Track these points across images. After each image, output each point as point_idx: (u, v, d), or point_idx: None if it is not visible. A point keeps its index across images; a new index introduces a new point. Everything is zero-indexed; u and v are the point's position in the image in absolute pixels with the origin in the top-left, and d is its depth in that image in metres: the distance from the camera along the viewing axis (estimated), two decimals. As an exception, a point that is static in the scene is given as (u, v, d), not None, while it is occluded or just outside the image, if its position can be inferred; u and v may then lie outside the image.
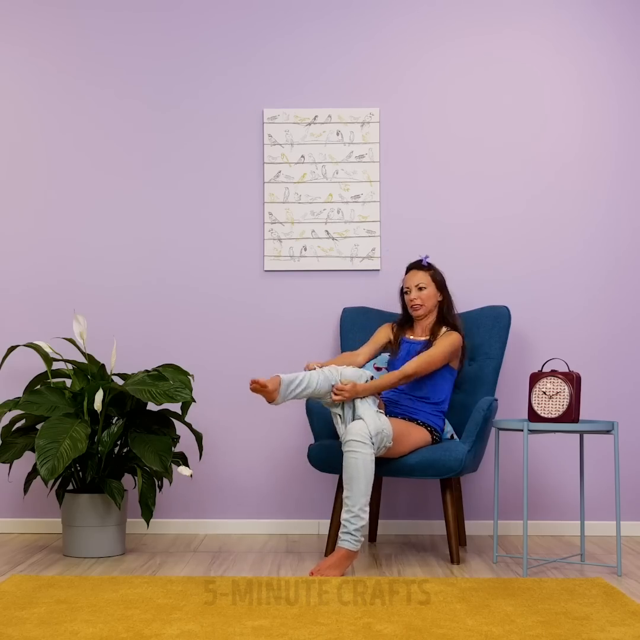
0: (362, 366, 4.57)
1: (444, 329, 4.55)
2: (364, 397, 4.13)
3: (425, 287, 4.57)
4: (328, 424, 4.58)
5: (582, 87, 5.10)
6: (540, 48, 5.10)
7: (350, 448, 4.05)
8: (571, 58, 5.10)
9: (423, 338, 4.58)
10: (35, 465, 4.36)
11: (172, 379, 4.42)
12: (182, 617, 3.28)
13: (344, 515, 4.04)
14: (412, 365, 4.35)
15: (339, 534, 4.06)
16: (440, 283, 4.62)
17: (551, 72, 5.10)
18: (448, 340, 4.46)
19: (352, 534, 4.02)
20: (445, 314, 4.60)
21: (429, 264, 4.62)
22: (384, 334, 4.69)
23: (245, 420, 5.04)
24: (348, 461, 4.04)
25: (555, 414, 4.17)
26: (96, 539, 4.36)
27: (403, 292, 4.65)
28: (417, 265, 4.63)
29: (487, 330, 4.75)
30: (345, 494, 4.05)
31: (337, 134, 5.06)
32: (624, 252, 5.08)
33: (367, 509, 4.04)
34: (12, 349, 4.56)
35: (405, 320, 4.68)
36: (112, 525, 4.39)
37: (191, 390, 4.38)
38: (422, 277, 4.58)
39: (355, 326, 4.90)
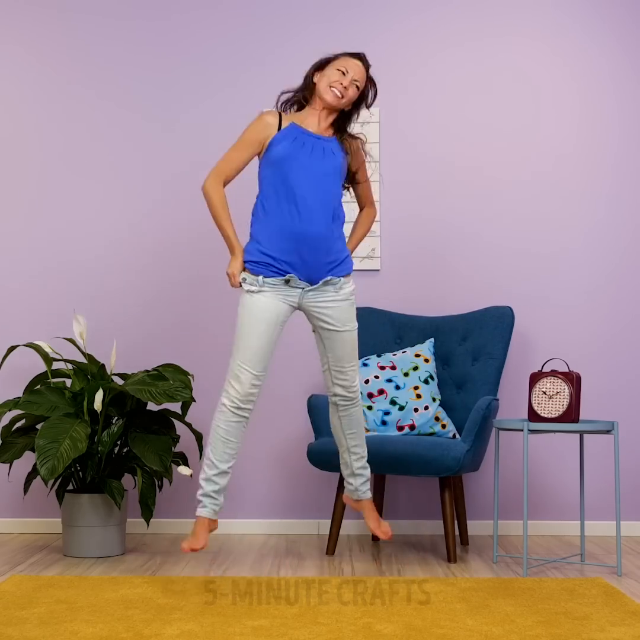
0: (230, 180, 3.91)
1: (346, 137, 3.88)
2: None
3: (358, 86, 3.83)
4: (328, 419, 4.58)
5: (581, 89, 5.10)
6: (539, 50, 5.10)
7: (358, 403, 3.99)
8: (570, 60, 5.10)
9: (327, 134, 3.85)
10: (35, 465, 4.36)
11: (172, 379, 4.42)
12: (182, 617, 3.28)
13: (358, 464, 4.04)
14: (373, 204, 4.08)
15: (359, 487, 4.07)
16: (362, 99, 3.89)
17: (550, 74, 5.10)
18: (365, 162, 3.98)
19: (369, 481, 4.07)
20: (342, 124, 3.88)
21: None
22: (260, 133, 3.80)
23: (245, 420, 5.04)
24: (358, 413, 3.98)
25: (555, 414, 4.17)
26: (96, 539, 4.36)
27: (325, 67, 3.83)
28: (365, 62, 3.87)
29: (491, 331, 4.75)
30: (353, 442, 4.02)
31: (337, 134, 5.05)
32: (624, 252, 5.08)
33: None
34: (12, 349, 4.56)
35: (297, 103, 3.91)
36: (112, 525, 4.39)
37: (191, 390, 4.38)
38: (362, 75, 3.84)
39: (360, 327, 4.90)
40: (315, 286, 3.82)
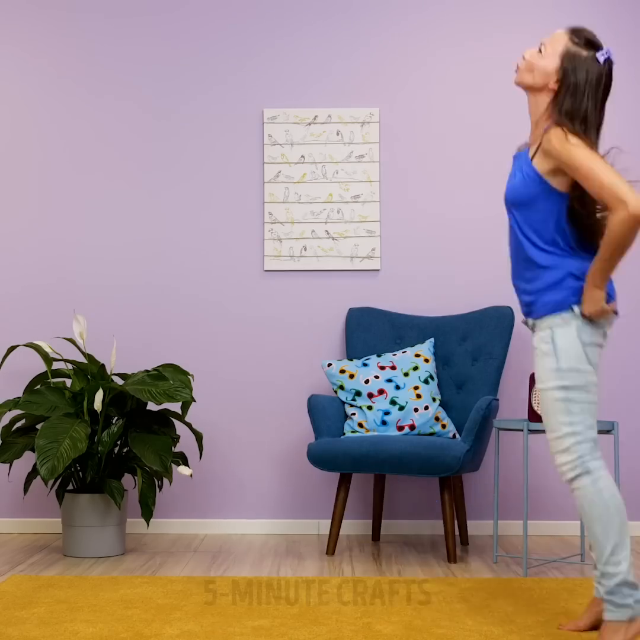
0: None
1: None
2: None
3: (543, 51, 3.03)
4: (329, 420, 4.59)
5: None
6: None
7: (575, 484, 2.99)
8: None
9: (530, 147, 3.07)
10: (35, 465, 4.36)
11: (172, 379, 4.42)
12: (182, 617, 3.28)
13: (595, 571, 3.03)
14: (614, 204, 2.83)
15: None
16: (570, 64, 2.96)
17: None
18: (559, 143, 2.91)
19: (606, 600, 2.94)
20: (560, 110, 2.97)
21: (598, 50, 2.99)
22: None
23: (245, 419, 5.05)
24: (582, 499, 2.97)
25: (555, 414, 4.17)
26: (96, 539, 4.36)
27: None
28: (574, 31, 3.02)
29: (491, 331, 4.75)
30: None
31: (337, 134, 5.06)
32: (624, 252, 5.08)
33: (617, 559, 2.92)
34: (12, 349, 4.56)
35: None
36: (112, 525, 4.39)
37: (191, 389, 4.38)
38: (556, 38, 3.02)
39: (360, 327, 4.92)
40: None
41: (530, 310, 3.07)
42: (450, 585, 3.77)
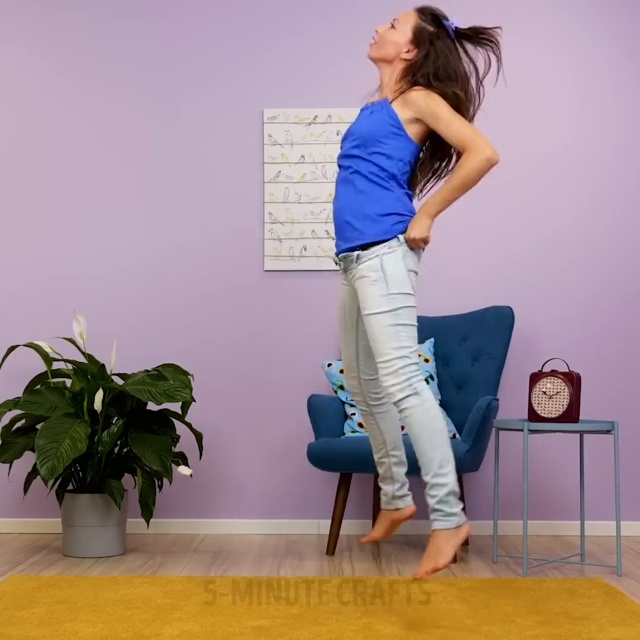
0: None
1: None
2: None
3: (396, 26, 3.46)
4: (329, 420, 4.58)
5: (581, 89, 5.10)
6: (539, 50, 5.10)
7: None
8: (570, 59, 5.10)
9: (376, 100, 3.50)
10: (35, 465, 4.36)
11: (172, 379, 4.42)
12: (182, 617, 3.28)
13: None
14: (470, 148, 3.29)
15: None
16: (421, 38, 3.41)
17: (550, 73, 5.10)
18: (422, 97, 3.33)
19: (435, 510, 3.24)
20: (416, 76, 3.40)
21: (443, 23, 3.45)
22: None
23: (245, 419, 5.05)
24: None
25: (555, 414, 4.17)
26: (96, 539, 4.36)
27: None
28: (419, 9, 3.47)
29: (491, 331, 4.75)
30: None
31: (337, 134, 5.06)
32: (625, 251, 5.08)
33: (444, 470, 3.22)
34: (12, 349, 4.56)
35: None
36: (112, 525, 4.39)
37: (191, 390, 4.38)
38: (406, 15, 3.47)
39: (355, 326, 4.91)
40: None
41: (354, 239, 3.32)
42: (450, 585, 3.77)
